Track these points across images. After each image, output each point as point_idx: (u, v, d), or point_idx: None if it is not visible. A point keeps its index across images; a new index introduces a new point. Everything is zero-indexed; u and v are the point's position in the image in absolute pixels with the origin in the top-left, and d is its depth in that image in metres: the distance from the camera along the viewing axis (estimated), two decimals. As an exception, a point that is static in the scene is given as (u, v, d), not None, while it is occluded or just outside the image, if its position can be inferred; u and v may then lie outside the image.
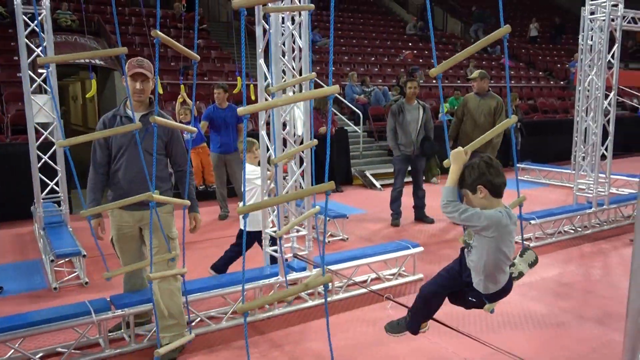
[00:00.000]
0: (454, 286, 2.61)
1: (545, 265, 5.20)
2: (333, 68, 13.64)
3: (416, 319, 2.80)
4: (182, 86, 7.10)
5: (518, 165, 10.82)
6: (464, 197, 2.42)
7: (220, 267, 4.62)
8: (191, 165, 3.59)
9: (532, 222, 5.81)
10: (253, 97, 7.08)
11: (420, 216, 6.92)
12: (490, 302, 2.52)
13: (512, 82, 15.99)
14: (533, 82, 16.50)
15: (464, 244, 2.51)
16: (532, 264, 2.66)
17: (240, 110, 1.63)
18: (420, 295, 2.75)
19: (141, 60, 3.26)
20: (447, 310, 3.35)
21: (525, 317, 3.98)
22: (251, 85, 7.12)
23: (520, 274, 2.56)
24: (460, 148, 2.37)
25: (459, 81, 14.53)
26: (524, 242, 2.81)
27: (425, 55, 16.11)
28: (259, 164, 4.46)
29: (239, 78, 7.66)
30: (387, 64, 15.08)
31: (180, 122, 6.77)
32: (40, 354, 3.41)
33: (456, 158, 2.34)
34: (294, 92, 4.14)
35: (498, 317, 3.97)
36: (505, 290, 2.51)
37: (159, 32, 2.18)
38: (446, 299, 2.73)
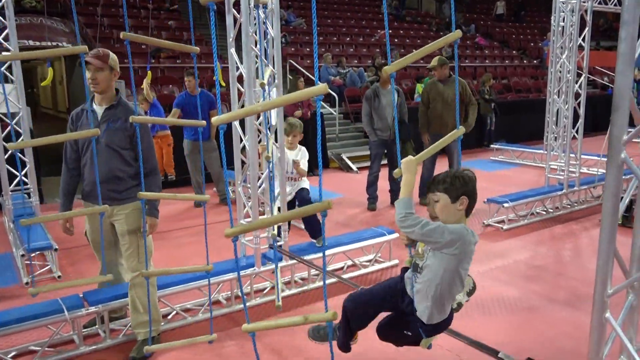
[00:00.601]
0: (384, 307, 2.37)
1: (518, 248, 5.31)
2: (307, 50, 13.50)
3: (342, 335, 2.49)
4: (149, 72, 6.95)
5: (492, 145, 10.95)
6: (430, 203, 2.21)
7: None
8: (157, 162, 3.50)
9: (505, 205, 5.91)
10: (223, 84, 6.97)
11: (396, 200, 6.96)
12: (428, 336, 2.26)
13: (487, 61, 16.07)
14: (507, 62, 16.61)
15: (410, 266, 2.26)
16: (470, 292, 2.46)
17: (215, 120, 1.58)
18: (343, 309, 2.45)
19: (96, 50, 3.19)
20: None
21: (497, 301, 4.07)
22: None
23: (459, 305, 2.35)
24: (411, 157, 2.19)
25: (434, 61, 14.52)
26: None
27: (400, 35, 16.05)
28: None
29: (218, 63, 7.51)
30: (363, 44, 14.99)
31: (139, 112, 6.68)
32: (13, 353, 3.36)
33: (409, 167, 2.15)
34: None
35: (471, 302, 4.04)
36: (446, 323, 2.27)
37: (128, 33, 2.11)
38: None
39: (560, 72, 6.96)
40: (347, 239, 4.74)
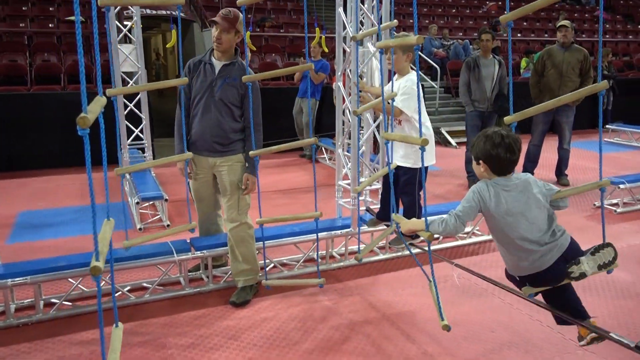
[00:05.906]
0: None
1: (632, 232, 4.90)
2: (410, 21, 13.16)
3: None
4: (247, 32, 7.31)
5: (608, 126, 10.12)
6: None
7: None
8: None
9: (622, 186, 5.45)
10: (326, 50, 7.18)
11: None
12: (530, 285, 2.39)
13: (607, 36, 14.78)
14: (630, 37, 15.16)
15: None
16: (604, 266, 2.19)
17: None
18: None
19: (227, 11, 3.27)
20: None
21: (607, 284, 3.79)
22: (323, 37, 7.14)
23: (582, 275, 2.19)
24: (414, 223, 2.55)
25: (546, 35, 13.61)
26: (605, 237, 2.37)
27: (510, 7, 15.13)
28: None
29: (317, 29, 7.64)
30: (469, 16, 14.35)
31: None
32: (128, 287, 3.67)
33: (415, 225, 2.54)
34: (372, 44, 4.04)
35: (577, 284, 3.79)
36: (545, 278, 2.31)
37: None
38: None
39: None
40: (445, 209, 4.61)
